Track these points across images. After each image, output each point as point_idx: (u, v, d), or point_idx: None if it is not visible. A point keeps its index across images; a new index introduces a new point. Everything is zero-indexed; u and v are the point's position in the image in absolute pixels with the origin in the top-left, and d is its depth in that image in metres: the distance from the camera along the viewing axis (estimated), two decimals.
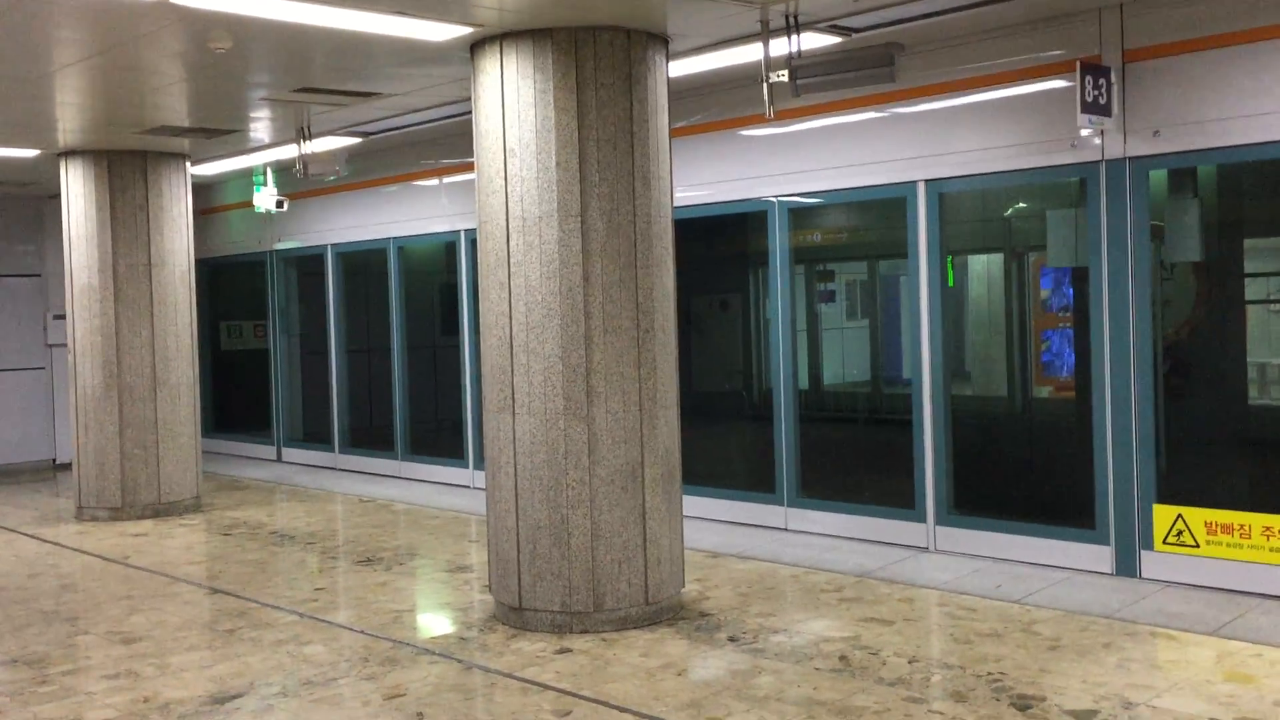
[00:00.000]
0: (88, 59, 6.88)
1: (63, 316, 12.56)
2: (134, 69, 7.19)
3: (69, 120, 8.88)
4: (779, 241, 8.64)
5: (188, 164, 10.63)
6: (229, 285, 15.32)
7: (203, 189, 13.92)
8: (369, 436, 12.91)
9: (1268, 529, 6.37)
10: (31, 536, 9.66)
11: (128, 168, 10.22)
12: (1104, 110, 6.66)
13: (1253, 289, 8.34)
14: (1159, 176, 7.02)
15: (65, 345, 11.68)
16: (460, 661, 5.78)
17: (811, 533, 8.44)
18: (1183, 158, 6.71)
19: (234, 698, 5.32)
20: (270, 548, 8.83)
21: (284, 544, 8.99)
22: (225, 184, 14.02)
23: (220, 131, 9.53)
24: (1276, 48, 6.24)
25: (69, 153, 10.24)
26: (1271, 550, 6.36)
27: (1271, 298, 8.40)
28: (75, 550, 9.02)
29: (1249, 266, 8.10)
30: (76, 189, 10.27)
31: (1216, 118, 6.46)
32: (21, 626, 6.72)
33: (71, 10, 5.85)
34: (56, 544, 9.30)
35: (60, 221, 10.64)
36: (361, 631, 6.36)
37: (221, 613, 6.91)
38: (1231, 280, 7.85)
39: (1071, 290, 8.23)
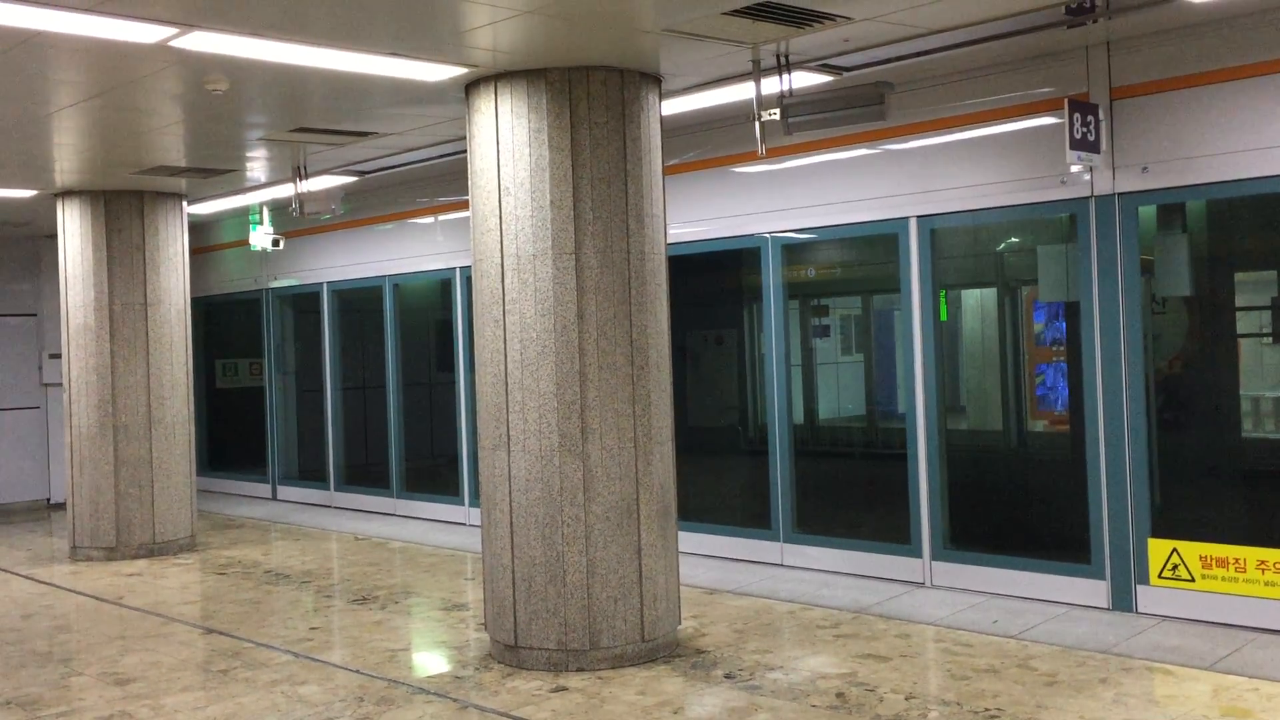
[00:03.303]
0: (86, 101, 6.94)
1: (58, 355, 12.57)
2: (131, 110, 7.25)
3: (66, 161, 8.94)
4: (773, 277, 8.69)
5: (184, 203, 10.68)
6: (225, 323, 15.34)
7: (199, 228, 13.97)
8: (364, 474, 12.89)
9: (1263, 563, 6.38)
10: (25, 577, 9.61)
11: (124, 207, 10.27)
12: (1093, 147, 6.73)
13: (1244, 322, 8.39)
14: (1148, 212, 7.08)
15: (60, 384, 11.68)
16: (456, 700, 5.75)
17: (807, 568, 8.42)
18: (1171, 193, 6.77)
19: None
20: (265, 587, 8.80)
21: (279, 583, 8.95)
22: (221, 223, 14.07)
23: (217, 171, 9.59)
24: (1262, 84, 6.32)
25: (66, 193, 10.29)
26: (1267, 584, 6.36)
27: (1263, 331, 8.44)
28: (69, 590, 8.98)
29: (1240, 300, 8.15)
30: (73, 229, 10.31)
31: (1204, 153, 6.53)
32: (15, 668, 6.69)
33: (71, 53, 5.90)
34: (50, 584, 9.26)
35: (56, 261, 10.68)
36: (356, 671, 6.33)
37: (216, 653, 6.88)
38: (1223, 314, 7.89)
39: (1064, 324, 8.28)
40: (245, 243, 11.61)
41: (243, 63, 6.07)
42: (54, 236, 11.13)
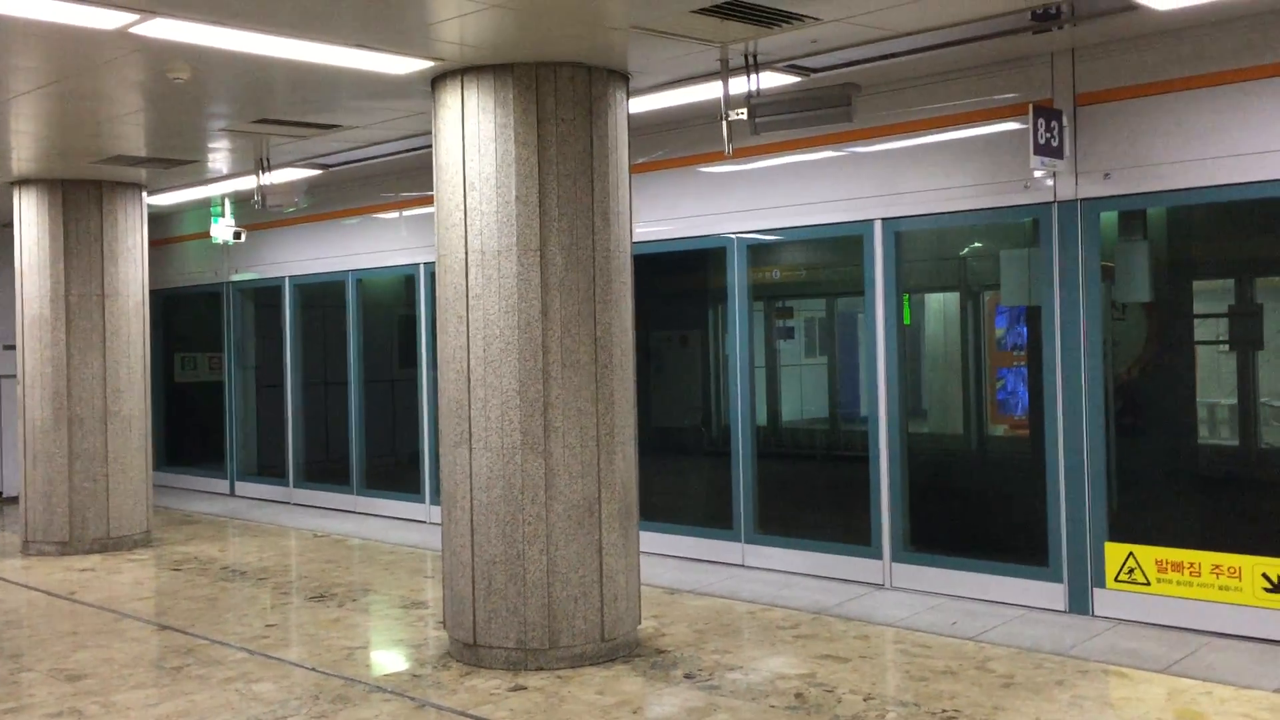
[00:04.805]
0: (44, 87, 6.83)
1: (13, 347, 12.36)
2: (91, 98, 7.14)
3: (23, 149, 8.79)
4: (738, 278, 8.69)
5: (144, 194, 10.54)
6: (184, 316, 15.16)
7: (159, 219, 13.80)
8: (324, 471, 12.77)
9: (1217, 567, 6.45)
10: None
11: (82, 197, 10.11)
12: (1056, 152, 6.78)
13: (1202, 330, 8.49)
14: (1110, 218, 7.15)
15: (14, 376, 11.49)
16: (413, 699, 5.70)
17: (768, 569, 8.43)
18: (1133, 200, 6.83)
19: None
20: (221, 583, 8.70)
21: (235, 580, 8.85)
22: (182, 214, 13.90)
23: (178, 162, 9.47)
24: (1224, 93, 6.39)
25: (22, 181, 10.12)
26: (1221, 588, 6.43)
27: (1220, 338, 8.55)
28: (20, 585, 8.84)
29: (1198, 307, 8.25)
30: (29, 218, 10.14)
31: (1166, 161, 6.59)
32: None
33: (28, 38, 5.80)
34: (1, 579, 9.10)
35: (12, 250, 10.50)
36: (313, 669, 6.26)
37: (169, 650, 6.78)
38: (1181, 321, 7.98)
39: (1025, 329, 8.34)
40: (206, 235, 11.48)
41: (205, 51, 5.99)
42: (9, 225, 10.95)
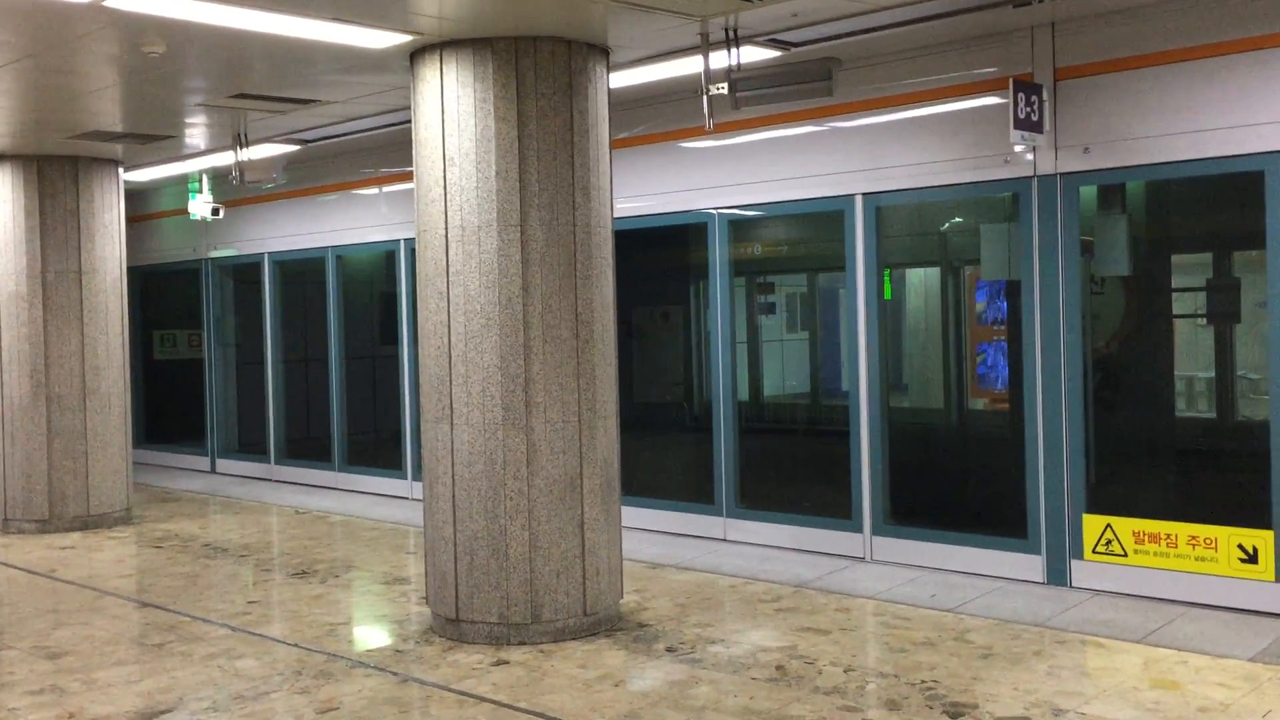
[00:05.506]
0: (17, 61, 6.75)
1: None
2: (65, 72, 7.06)
3: None
4: (719, 253, 8.69)
5: (120, 170, 10.45)
6: (163, 293, 15.07)
7: (136, 195, 13.68)
8: (306, 447, 12.75)
9: (1193, 538, 6.52)
10: None
11: (58, 173, 10.02)
12: (1036, 127, 6.80)
13: (1180, 304, 8.54)
14: (1089, 192, 7.17)
15: None
16: (396, 674, 5.72)
17: (750, 543, 8.48)
18: (1112, 174, 6.85)
19: (162, 713, 5.22)
20: (202, 560, 8.69)
21: (217, 556, 8.84)
22: (159, 190, 13.80)
23: (154, 137, 9.39)
24: (1204, 67, 6.41)
25: None
26: (1197, 559, 6.50)
27: (1198, 312, 8.60)
28: None
29: (1176, 281, 8.29)
30: (4, 194, 10.04)
31: (1145, 135, 6.61)
32: None
33: (0, 12, 5.73)
34: None
35: None
36: (295, 645, 6.27)
37: (151, 627, 6.78)
38: (1159, 295, 8.03)
39: (1005, 304, 8.37)
40: (184, 211, 11.39)
41: (180, 25, 5.93)
42: None
